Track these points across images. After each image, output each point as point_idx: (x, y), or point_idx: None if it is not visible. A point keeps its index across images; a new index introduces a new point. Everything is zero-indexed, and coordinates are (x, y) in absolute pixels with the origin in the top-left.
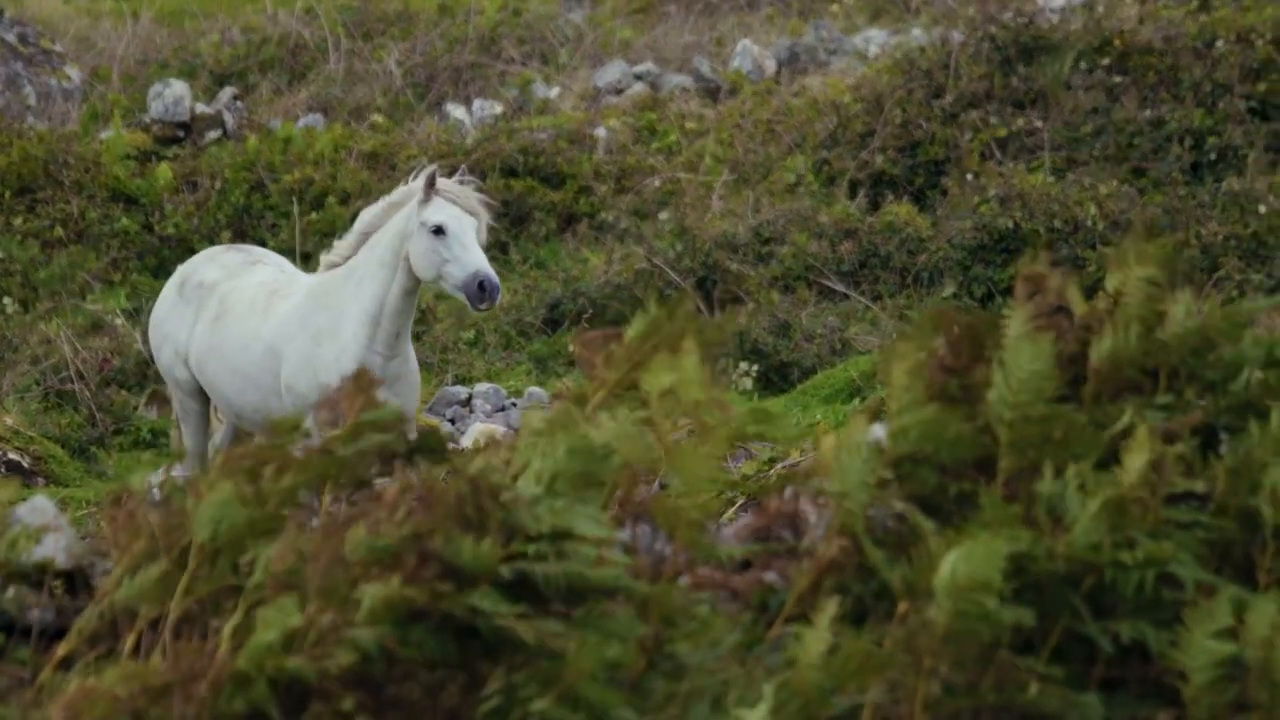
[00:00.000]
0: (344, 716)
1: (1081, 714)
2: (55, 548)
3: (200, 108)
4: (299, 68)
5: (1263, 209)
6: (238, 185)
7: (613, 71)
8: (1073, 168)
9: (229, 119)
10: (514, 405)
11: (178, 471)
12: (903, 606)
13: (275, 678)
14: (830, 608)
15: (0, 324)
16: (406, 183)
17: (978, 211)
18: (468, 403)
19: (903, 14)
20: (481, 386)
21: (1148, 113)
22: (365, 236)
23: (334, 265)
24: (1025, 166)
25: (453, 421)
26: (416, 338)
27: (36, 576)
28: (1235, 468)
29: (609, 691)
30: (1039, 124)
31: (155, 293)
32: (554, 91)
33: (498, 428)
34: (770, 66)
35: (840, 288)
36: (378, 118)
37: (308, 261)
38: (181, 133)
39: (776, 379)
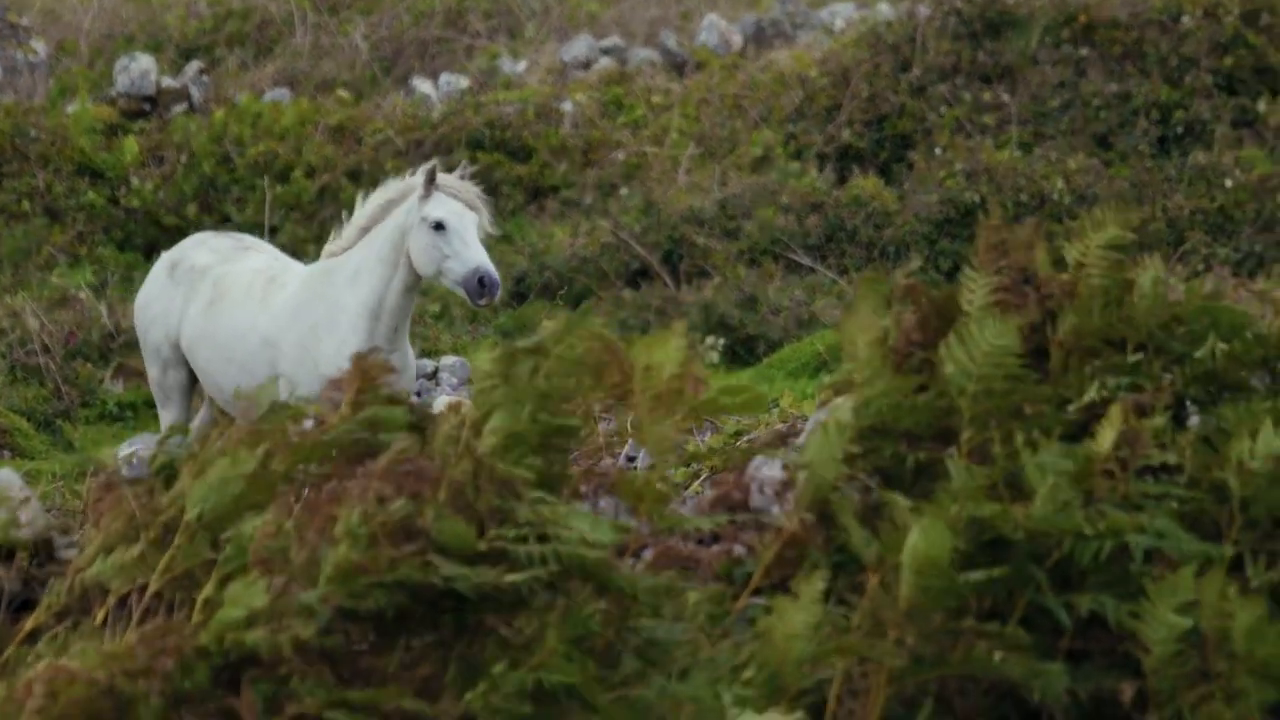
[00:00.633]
0: (283, 681)
1: (1045, 683)
2: (23, 520)
3: (166, 81)
4: (265, 42)
5: (1229, 183)
6: (204, 159)
7: (579, 46)
8: (1040, 142)
9: (195, 93)
10: None
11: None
12: (873, 580)
13: (235, 652)
14: (816, 582)
15: None
16: (406, 178)
17: (944, 186)
18: (434, 376)
19: None
20: (448, 359)
21: (1114, 87)
22: (364, 230)
23: (333, 255)
24: (993, 142)
25: (419, 394)
26: None
27: (6, 550)
28: (1205, 438)
29: (574, 665)
30: (1006, 98)
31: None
32: (520, 66)
33: (464, 400)
34: (736, 41)
35: (807, 261)
36: (343, 93)
37: (274, 235)
38: (148, 106)
39: (743, 352)
